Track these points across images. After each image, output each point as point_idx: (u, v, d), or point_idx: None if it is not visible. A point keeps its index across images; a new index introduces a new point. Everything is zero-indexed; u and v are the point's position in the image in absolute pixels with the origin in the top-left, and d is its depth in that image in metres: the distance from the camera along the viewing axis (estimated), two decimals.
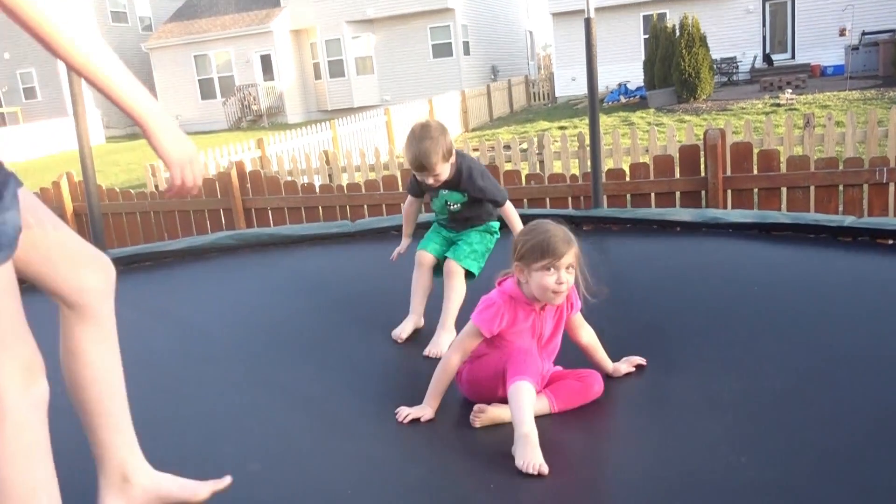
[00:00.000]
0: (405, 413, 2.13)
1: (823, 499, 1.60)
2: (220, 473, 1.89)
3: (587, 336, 2.28)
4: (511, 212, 2.69)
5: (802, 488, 1.64)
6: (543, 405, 2.10)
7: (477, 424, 2.08)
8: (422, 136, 2.50)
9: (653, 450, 1.89)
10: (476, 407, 2.09)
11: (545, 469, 1.79)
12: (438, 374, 2.15)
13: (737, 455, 1.79)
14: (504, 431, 2.02)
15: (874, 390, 2.02)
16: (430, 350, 2.51)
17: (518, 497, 1.75)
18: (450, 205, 2.71)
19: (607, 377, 2.25)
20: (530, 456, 1.81)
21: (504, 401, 2.02)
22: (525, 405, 1.91)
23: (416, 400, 2.23)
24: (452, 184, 2.63)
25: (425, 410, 2.13)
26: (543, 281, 2.01)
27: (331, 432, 2.11)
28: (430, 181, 2.58)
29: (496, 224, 2.78)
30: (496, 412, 2.08)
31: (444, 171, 2.56)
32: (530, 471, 1.78)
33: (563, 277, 2.01)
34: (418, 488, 1.81)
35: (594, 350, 2.29)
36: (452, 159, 2.59)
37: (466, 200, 2.67)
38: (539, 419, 1.99)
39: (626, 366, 2.30)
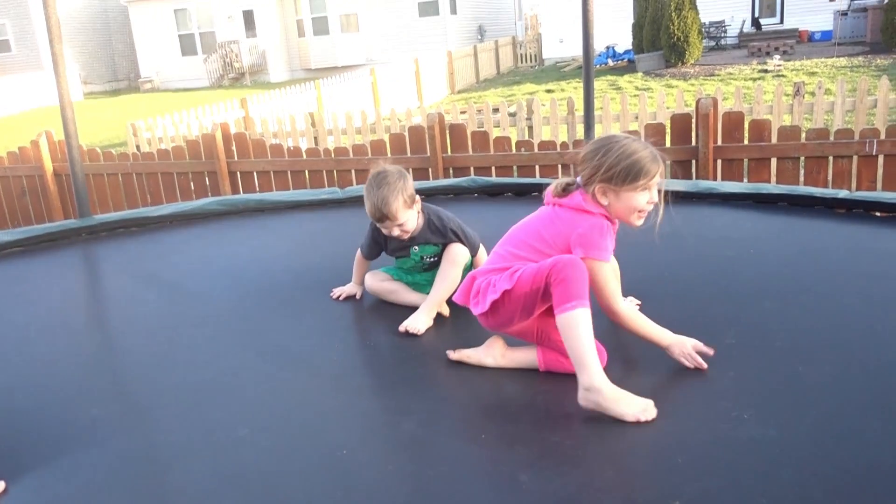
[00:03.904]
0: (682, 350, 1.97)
1: (825, 456, 1.62)
2: (208, 435, 1.89)
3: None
4: (483, 261, 2.46)
5: (805, 446, 1.65)
6: (531, 359, 2.05)
7: (453, 357, 2.12)
8: (379, 182, 2.33)
9: (653, 404, 1.87)
10: (451, 352, 2.14)
11: (653, 412, 1.75)
12: (632, 321, 1.97)
13: (739, 411, 1.79)
14: (493, 380, 2.04)
15: (876, 351, 2.04)
16: (407, 325, 2.36)
17: (510, 448, 1.75)
18: (425, 258, 2.52)
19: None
20: (632, 406, 1.76)
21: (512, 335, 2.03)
22: (588, 344, 1.78)
23: (410, 356, 2.23)
24: (423, 237, 2.46)
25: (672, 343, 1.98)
26: (635, 202, 1.90)
27: (322, 390, 2.12)
28: (396, 232, 2.39)
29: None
30: (469, 352, 2.11)
31: (409, 219, 2.38)
32: (645, 418, 1.74)
33: (654, 196, 1.92)
34: (410, 443, 1.81)
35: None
36: (418, 207, 2.42)
37: (441, 248, 2.48)
38: (527, 373, 2.02)
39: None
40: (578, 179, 2.00)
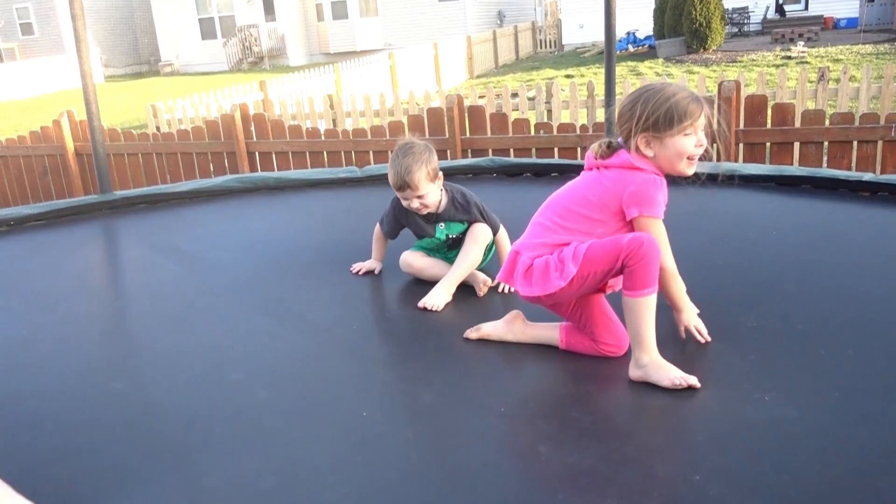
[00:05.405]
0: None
1: (846, 437, 1.61)
2: (228, 397, 1.92)
3: None
4: (505, 241, 2.52)
5: (826, 426, 1.64)
6: (551, 336, 2.04)
7: (473, 337, 2.12)
8: (404, 152, 2.36)
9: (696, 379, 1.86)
10: (470, 332, 2.14)
11: (695, 380, 1.78)
12: (670, 280, 1.94)
13: (761, 393, 1.78)
14: (512, 355, 2.04)
15: None
16: (426, 302, 2.37)
17: (529, 421, 1.76)
18: (450, 237, 2.53)
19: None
20: (672, 373, 1.80)
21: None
22: (652, 325, 1.82)
23: (429, 329, 2.24)
24: (448, 214, 2.48)
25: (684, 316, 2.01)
26: (681, 146, 1.82)
27: (341, 357, 2.14)
28: (416, 205, 2.42)
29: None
30: (489, 329, 2.11)
31: (430, 192, 2.40)
32: (684, 384, 1.77)
33: (702, 139, 1.83)
34: (429, 412, 1.83)
35: None
36: (440, 183, 2.44)
37: (465, 228, 2.51)
38: (547, 351, 2.02)
39: None
40: (619, 140, 1.93)
